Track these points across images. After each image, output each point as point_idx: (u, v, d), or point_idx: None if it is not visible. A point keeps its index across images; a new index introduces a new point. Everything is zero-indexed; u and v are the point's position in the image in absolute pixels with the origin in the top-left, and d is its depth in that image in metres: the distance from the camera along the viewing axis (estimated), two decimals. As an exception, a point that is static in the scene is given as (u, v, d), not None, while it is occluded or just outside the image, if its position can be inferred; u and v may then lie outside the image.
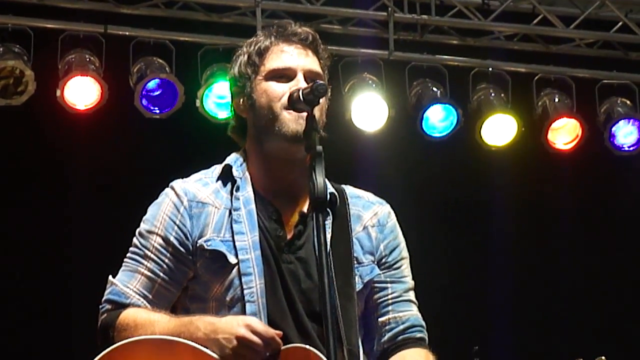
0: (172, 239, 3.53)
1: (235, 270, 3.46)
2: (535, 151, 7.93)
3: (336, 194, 3.64)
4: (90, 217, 7.54)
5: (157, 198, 3.64)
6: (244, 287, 3.45)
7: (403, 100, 7.80)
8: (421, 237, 7.22)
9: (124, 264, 3.59)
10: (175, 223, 3.54)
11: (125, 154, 7.50)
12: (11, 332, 7.33)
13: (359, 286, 3.57)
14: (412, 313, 3.66)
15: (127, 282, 3.55)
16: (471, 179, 8.09)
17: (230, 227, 3.51)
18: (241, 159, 3.63)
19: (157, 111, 7.37)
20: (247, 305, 3.44)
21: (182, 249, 3.53)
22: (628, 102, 8.05)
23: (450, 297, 8.01)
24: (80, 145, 7.40)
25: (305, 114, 3.41)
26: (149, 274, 3.53)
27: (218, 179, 3.61)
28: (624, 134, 7.96)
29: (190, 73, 7.45)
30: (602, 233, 8.32)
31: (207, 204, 3.55)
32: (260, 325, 3.31)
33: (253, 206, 3.53)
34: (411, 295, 3.68)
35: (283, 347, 3.34)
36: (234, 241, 3.48)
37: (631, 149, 7.96)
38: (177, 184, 3.61)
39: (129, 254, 3.59)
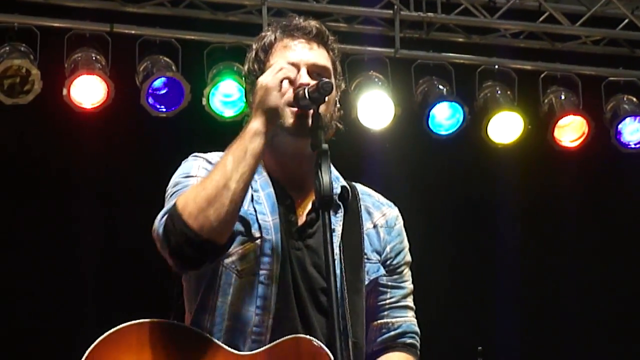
0: None
1: (254, 244, 3.44)
2: (541, 149, 7.92)
3: (348, 187, 3.65)
4: (97, 215, 7.55)
5: (178, 167, 3.58)
6: (260, 267, 3.43)
7: (409, 98, 7.79)
8: (427, 234, 7.25)
9: (165, 204, 3.46)
10: None
11: (132, 153, 7.51)
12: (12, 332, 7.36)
13: (366, 281, 3.58)
14: (406, 319, 3.67)
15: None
16: (477, 176, 8.09)
17: (252, 204, 3.49)
18: None
19: (164, 110, 7.37)
20: (260, 286, 3.42)
21: None
22: (634, 99, 8.04)
23: (456, 295, 8.01)
24: (86, 143, 7.41)
25: (311, 111, 3.40)
26: None
27: None
28: (630, 131, 7.94)
29: (196, 71, 7.46)
30: (609, 230, 8.31)
31: None
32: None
33: (271, 190, 3.51)
34: (409, 300, 3.70)
35: (283, 339, 3.36)
36: (257, 217, 3.46)
37: (637, 146, 7.94)
38: (202, 154, 3.59)
39: (168, 197, 3.47)
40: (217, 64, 7.46)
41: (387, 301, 3.65)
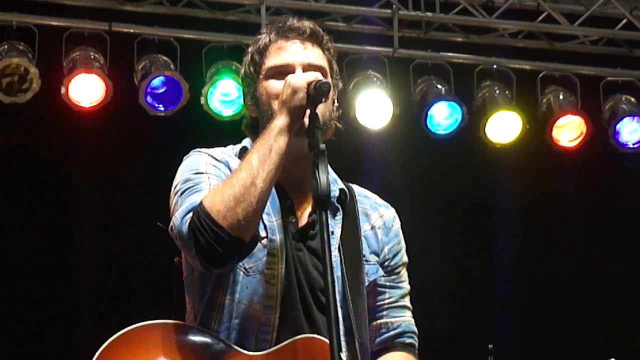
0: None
1: (261, 244, 3.45)
2: (539, 148, 7.92)
3: (346, 190, 3.66)
4: (95, 214, 7.55)
5: (181, 161, 3.57)
6: (266, 266, 3.45)
7: (407, 97, 7.79)
8: (425, 233, 7.26)
9: (179, 201, 3.44)
10: (220, 170, 3.51)
11: (130, 151, 7.50)
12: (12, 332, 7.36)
13: (365, 283, 3.59)
14: (404, 319, 3.70)
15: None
16: (475, 176, 8.09)
17: None
18: None
19: (162, 108, 7.36)
20: (266, 285, 3.44)
21: None
22: (633, 99, 8.04)
23: (455, 295, 8.02)
24: (84, 142, 7.41)
25: (308, 111, 3.39)
26: (215, 182, 3.44)
27: (238, 157, 3.60)
28: (629, 131, 7.95)
29: (194, 70, 7.46)
30: (607, 230, 8.31)
31: None
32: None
33: (273, 190, 3.49)
34: (406, 300, 3.72)
35: (296, 337, 3.39)
36: (262, 217, 3.46)
37: (636, 146, 7.95)
38: (204, 149, 3.59)
39: (180, 194, 3.45)
40: (216, 63, 7.46)
41: (386, 301, 3.67)
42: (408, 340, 3.68)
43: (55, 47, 7.28)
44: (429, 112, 7.70)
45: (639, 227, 8.20)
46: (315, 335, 3.40)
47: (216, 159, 3.54)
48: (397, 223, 3.75)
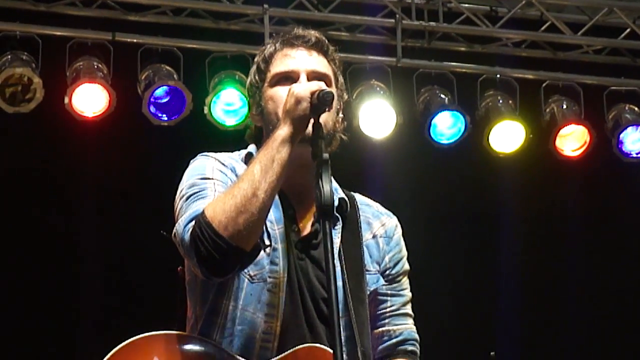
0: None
1: (265, 252, 3.45)
2: (543, 158, 7.92)
3: (347, 199, 3.66)
4: (99, 225, 7.55)
5: (188, 165, 3.59)
6: (269, 274, 3.45)
7: (411, 107, 7.79)
8: (429, 242, 7.26)
9: (184, 206, 3.45)
10: (227, 176, 3.51)
11: (133, 161, 7.50)
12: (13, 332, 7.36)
13: (367, 292, 3.59)
14: (407, 327, 3.69)
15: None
16: (479, 185, 8.08)
17: None
18: None
19: (165, 118, 7.37)
20: (268, 293, 3.44)
21: None
22: (636, 108, 8.04)
23: (458, 304, 8.00)
24: (88, 152, 7.41)
25: (311, 120, 3.39)
26: (221, 189, 3.45)
27: (244, 162, 3.60)
28: (632, 140, 7.94)
29: (198, 80, 7.46)
30: (611, 239, 8.30)
31: None
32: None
33: (277, 199, 3.49)
34: (408, 308, 3.72)
35: (297, 347, 3.38)
36: (266, 225, 3.46)
37: (639, 155, 7.95)
38: (211, 154, 3.60)
39: (185, 199, 3.46)
40: (219, 72, 7.46)
41: (388, 309, 3.67)
42: (410, 348, 3.68)
43: (58, 57, 7.28)
44: (432, 122, 7.69)
45: (644, 236, 8.20)
46: (317, 345, 3.41)
47: (223, 164, 3.55)
48: (399, 231, 3.75)
